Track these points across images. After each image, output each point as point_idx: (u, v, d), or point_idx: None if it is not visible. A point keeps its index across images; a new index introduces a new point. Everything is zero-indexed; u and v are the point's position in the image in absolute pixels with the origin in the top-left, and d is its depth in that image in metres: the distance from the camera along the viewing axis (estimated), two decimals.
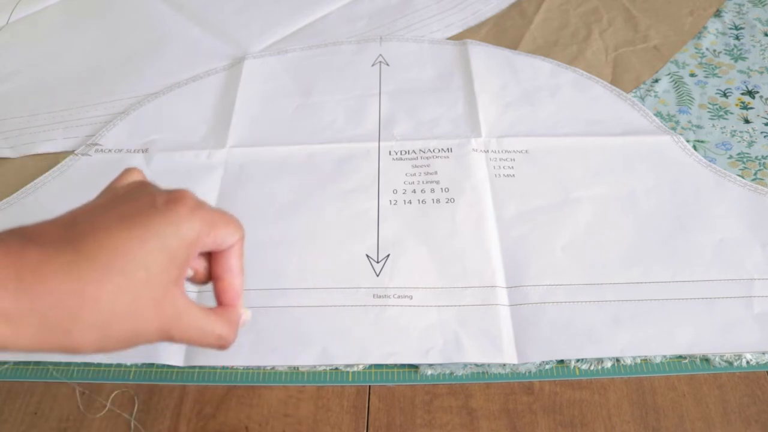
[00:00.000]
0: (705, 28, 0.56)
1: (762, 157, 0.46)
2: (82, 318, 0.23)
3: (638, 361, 0.36)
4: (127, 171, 0.30)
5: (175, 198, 0.27)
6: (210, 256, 0.29)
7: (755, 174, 0.44)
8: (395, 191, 0.44)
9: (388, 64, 0.54)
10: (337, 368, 0.36)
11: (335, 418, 0.34)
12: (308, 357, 0.36)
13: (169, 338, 0.27)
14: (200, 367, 0.36)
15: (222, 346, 0.29)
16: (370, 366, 0.36)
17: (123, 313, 0.24)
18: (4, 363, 0.37)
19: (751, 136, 0.47)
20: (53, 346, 0.23)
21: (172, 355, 0.36)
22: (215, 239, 0.28)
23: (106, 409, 0.35)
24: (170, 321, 0.26)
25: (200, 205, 0.28)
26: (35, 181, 0.45)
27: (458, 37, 0.56)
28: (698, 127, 0.48)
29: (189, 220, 0.27)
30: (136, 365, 0.36)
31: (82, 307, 0.23)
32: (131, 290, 0.25)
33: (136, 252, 0.25)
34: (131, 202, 0.27)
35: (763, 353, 0.36)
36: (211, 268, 0.30)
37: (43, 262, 0.23)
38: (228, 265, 0.30)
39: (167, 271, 0.26)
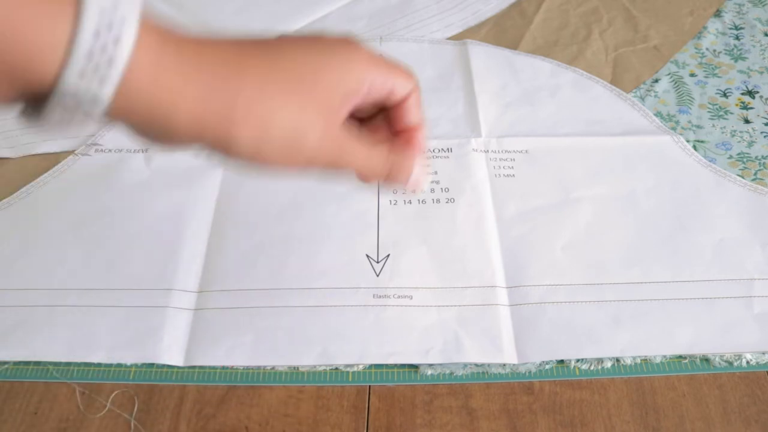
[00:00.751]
0: (705, 28, 0.56)
1: (762, 157, 0.46)
2: (254, 115, 0.23)
3: (638, 361, 0.36)
4: None
5: (360, 46, 0.28)
6: (389, 115, 0.31)
7: (755, 174, 0.44)
8: (395, 191, 0.44)
9: None
10: (337, 368, 0.36)
11: (335, 418, 0.34)
12: (308, 357, 0.36)
13: (333, 163, 0.27)
14: (200, 367, 0.36)
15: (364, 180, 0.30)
16: (370, 366, 0.36)
17: (289, 131, 0.25)
18: (4, 363, 0.37)
19: (751, 136, 0.47)
20: (213, 136, 0.23)
21: (173, 355, 0.36)
22: (386, 84, 0.29)
23: (106, 409, 0.35)
24: (334, 143, 0.27)
25: (370, 55, 0.29)
26: (35, 181, 0.45)
27: (458, 37, 0.56)
28: (698, 127, 0.48)
29: (368, 65, 0.28)
30: (136, 365, 0.36)
31: (253, 113, 0.23)
32: (305, 102, 0.25)
33: (323, 74, 0.26)
34: (329, 38, 0.27)
35: (763, 353, 0.36)
36: (392, 126, 0.31)
37: (242, 62, 0.23)
38: (408, 118, 0.30)
39: (343, 103, 0.27)
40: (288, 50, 0.26)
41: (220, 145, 0.24)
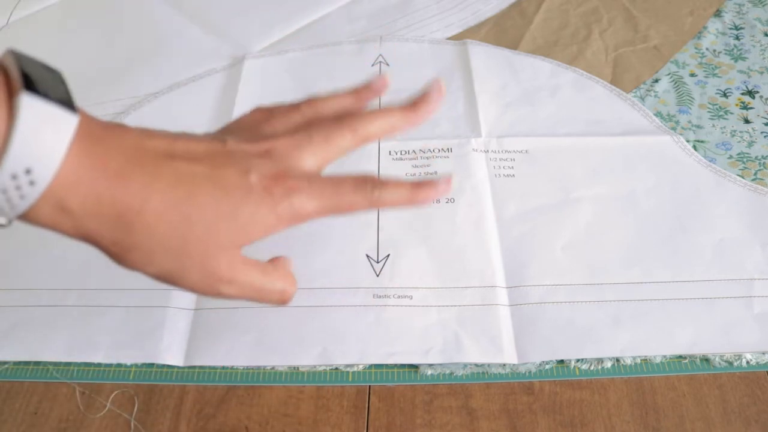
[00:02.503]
0: (705, 28, 0.56)
1: (762, 157, 0.46)
2: (136, 239, 0.25)
3: (638, 361, 0.36)
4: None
5: (270, 186, 0.27)
6: None
7: (755, 174, 0.44)
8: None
9: (388, 64, 0.54)
10: (337, 368, 0.36)
11: (335, 418, 0.34)
12: (308, 357, 0.36)
13: (217, 295, 0.28)
14: (200, 367, 0.36)
15: (284, 301, 0.30)
16: (370, 366, 0.36)
17: (170, 253, 0.26)
18: (4, 363, 0.37)
19: (751, 136, 0.47)
20: (113, 256, 0.26)
21: (172, 355, 0.37)
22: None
23: (106, 409, 0.35)
24: (211, 278, 0.27)
25: (297, 191, 0.27)
26: None
27: (458, 37, 0.56)
28: (698, 127, 0.48)
29: (278, 213, 0.27)
30: (136, 365, 0.36)
31: (139, 230, 0.25)
32: (187, 237, 0.26)
33: (205, 210, 0.26)
34: (228, 166, 0.27)
35: (763, 353, 0.36)
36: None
37: (121, 177, 0.24)
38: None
39: (232, 239, 0.27)
40: (191, 190, 0.26)
41: (127, 267, 0.26)
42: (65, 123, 0.23)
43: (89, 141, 0.24)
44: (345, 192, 0.28)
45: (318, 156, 0.28)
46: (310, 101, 0.32)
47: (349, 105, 0.31)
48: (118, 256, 0.26)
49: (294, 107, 0.31)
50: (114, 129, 0.25)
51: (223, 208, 0.26)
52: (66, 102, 0.23)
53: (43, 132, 0.22)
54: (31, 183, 0.22)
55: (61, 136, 0.22)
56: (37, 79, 0.22)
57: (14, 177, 0.22)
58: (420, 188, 0.29)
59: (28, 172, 0.22)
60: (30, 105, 0.22)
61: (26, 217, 0.24)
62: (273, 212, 0.27)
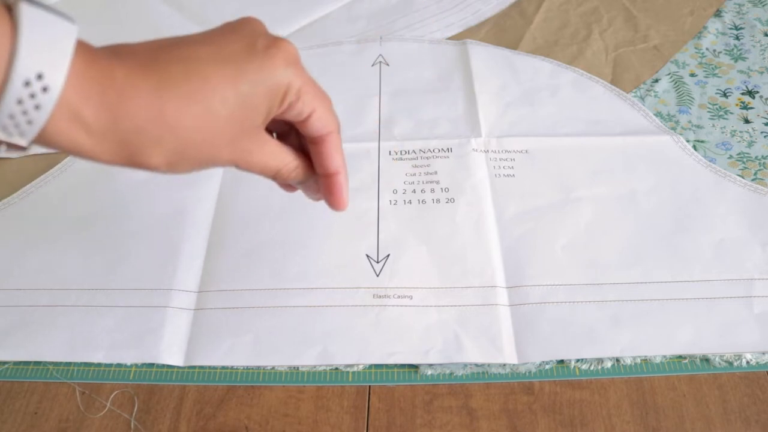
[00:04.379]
0: (705, 28, 0.56)
1: (762, 157, 0.46)
2: (159, 142, 0.25)
3: (638, 361, 0.36)
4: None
5: (276, 44, 0.27)
6: (310, 152, 0.31)
7: (755, 174, 0.44)
8: (395, 191, 0.44)
9: (388, 64, 0.54)
10: (337, 368, 0.36)
11: (335, 418, 0.34)
12: (308, 357, 0.36)
13: (236, 166, 0.28)
14: (200, 367, 0.36)
15: (278, 175, 0.31)
16: (370, 366, 0.36)
17: (199, 142, 0.26)
18: (4, 363, 0.37)
19: (751, 136, 0.47)
20: (128, 162, 0.25)
21: (172, 355, 0.37)
22: (302, 108, 0.28)
23: (106, 409, 0.35)
24: (240, 156, 0.28)
25: (298, 62, 0.28)
26: (35, 181, 0.45)
27: (458, 37, 0.56)
28: (698, 127, 0.48)
29: (283, 71, 0.27)
30: (136, 365, 0.36)
31: (161, 132, 0.24)
32: (211, 124, 0.25)
33: (222, 89, 0.25)
34: (231, 38, 0.27)
35: (763, 353, 0.36)
36: (315, 165, 0.32)
37: (128, 84, 0.24)
38: (328, 163, 0.31)
39: (249, 116, 0.27)
40: (194, 71, 0.25)
41: (139, 167, 0.25)
42: (66, 29, 0.23)
43: (91, 52, 0.24)
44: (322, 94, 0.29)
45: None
46: None
47: None
48: (146, 165, 0.25)
49: None
50: (107, 47, 0.25)
51: (242, 88, 0.26)
52: (63, 12, 0.23)
53: (48, 36, 0.22)
54: (44, 89, 0.22)
55: (65, 40, 0.22)
56: None
57: (27, 83, 0.21)
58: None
59: (40, 77, 0.22)
60: (30, 12, 0.22)
61: (45, 136, 0.23)
62: (283, 75, 0.27)
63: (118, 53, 0.25)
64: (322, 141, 0.30)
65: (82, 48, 0.23)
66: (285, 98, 0.27)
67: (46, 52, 0.22)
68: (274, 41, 0.27)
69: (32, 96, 0.22)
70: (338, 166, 0.31)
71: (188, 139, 0.25)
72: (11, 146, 0.23)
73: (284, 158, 0.30)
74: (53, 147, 0.24)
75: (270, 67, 0.26)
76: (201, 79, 0.25)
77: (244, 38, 0.27)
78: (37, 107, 0.22)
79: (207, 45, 0.26)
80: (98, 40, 0.25)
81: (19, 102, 0.22)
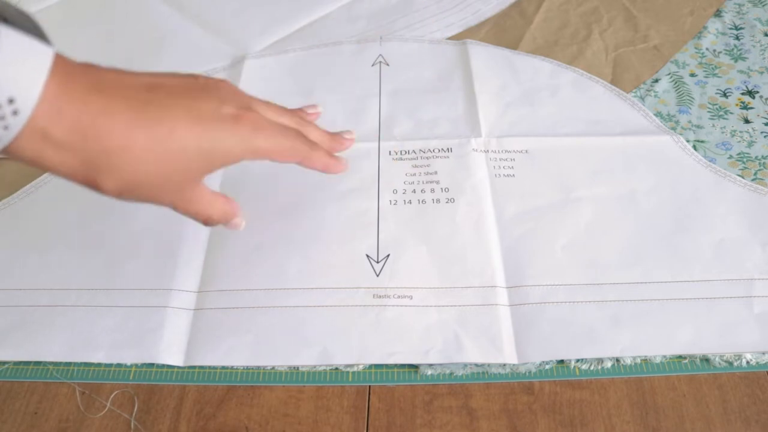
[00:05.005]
0: (705, 28, 0.56)
1: (762, 157, 0.46)
2: (119, 170, 0.26)
3: (638, 361, 0.36)
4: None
5: (240, 117, 0.30)
6: None
7: (755, 174, 0.44)
8: (395, 191, 0.44)
9: (388, 64, 0.54)
10: (337, 368, 0.36)
11: (335, 418, 0.34)
12: (308, 357, 0.36)
13: (174, 209, 0.31)
14: (200, 367, 0.36)
15: (208, 221, 0.33)
16: (370, 366, 0.36)
17: (151, 181, 0.28)
18: (4, 363, 0.37)
19: (751, 136, 0.47)
20: (84, 180, 0.27)
21: (172, 355, 0.37)
22: (259, 158, 0.32)
23: (106, 409, 0.35)
24: (181, 203, 0.30)
25: (265, 128, 0.31)
26: (35, 181, 0.45)
27: (458, 37, 0.56)
28: (698, 127, 0.48)
29: (244, 140, 0.30)
30: (136, 365, 0.36)
31: (123, 163, 0.26)
32: (166, 169, 0.28)
33: (186, 142, 0.28)
34: (204, 97, 0.29)
35: (763, 353, 0.36)
36: None
37: (105, 111, 0.26)
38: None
39: (200, 170, 0.30)
40: (167, 120, 0.28)
41: (91, 187, 0.27)
42: (42, 54, 0.24)
43: (68, 75, 0.25)
44: (290, 138, 0.33)
45: (273, 116, 0.33)
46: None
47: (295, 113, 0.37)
48: (98, 186, 0.27)
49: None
50: (91, 66, 0.27)
51: (202, 145, 0.28)
52: (40, 35, 0.24)
53: (23, 61, 0.23)
54: (15, 113, 0.23)
55: (40, 66, 0.23)
56: (10, 16, 0.23)
57: None
58: (333, 159, 0.36)
59: (11, 101, 0.23)
60: (7, 35, 0.22)
61: (12, 149, 0.24)
62: (239, 143, 0.30)
63: (102, 78, 0.27)
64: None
65: (62, 68, 0.25)
66: (239, 160, 0.30)
67: (19, 78, 0.23)
68: (242, 112, 0.30)
69: (2, 118, 0.23)
70: (318, 164, 0.35)
71: (143, 176, 0.27)
72: None
73: (218, 207, 0.33)
74: (16, 159, 0.25)
75: (233, 135, 0.29)
76: (170, 128, 0.27)
77: (216, 101, 0.29)
78: (5, 128, 0.23)
79: (183, 97, 0.28)
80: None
81: None
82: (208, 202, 0.32)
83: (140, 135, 0.26)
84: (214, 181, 0.45)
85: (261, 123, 0.31)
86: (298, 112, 0.37)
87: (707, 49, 0.54)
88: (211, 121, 0.29)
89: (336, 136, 0.39)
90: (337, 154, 0.38)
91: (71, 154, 0.25)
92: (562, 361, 0.36)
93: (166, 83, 0.29)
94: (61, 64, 0.25)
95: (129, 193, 0.28)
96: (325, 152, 0.36)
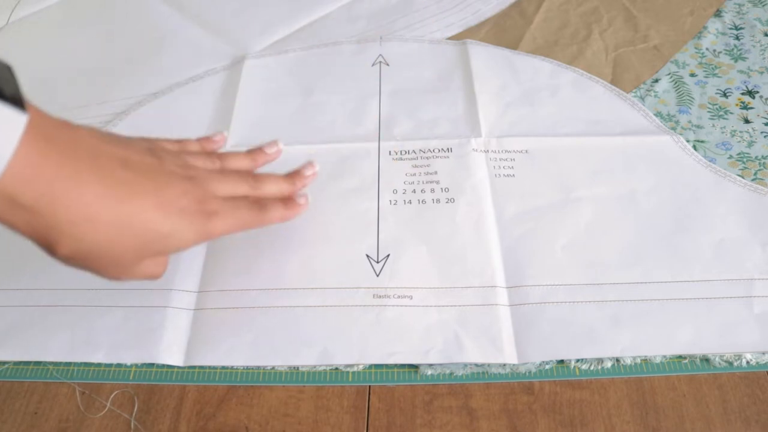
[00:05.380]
0: (705, 28, 0.56)
1: (762, 157, 0.46)
2: (77, 240, 0.27)
3: (638, 361, 0.36)
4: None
5: (197, 210, 0.31)
6: None
7: (755, 174, 0.44)
8: (395, 191, 0.44)
9: (388, 64, 0.54)
10: (337, 368, 0.36)
11: (335, 418, 0.34)
12: (308, 357, 0.36)
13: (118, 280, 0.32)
14: (200, 367, 0.36)
15: (155, 278, 0.33)
16: (370, 366, 0.36)
17: (102, 255, 0.28)
18: (4, 363, 0.37)
19: (751, 136, 0.47)
20: (38, 240, 0.27)
21: (172, 355, 0.37)
22: None
23: (106, 409, 0.35)
24: (123, 274, 0.31)
25: (214, 215, 0.32)
26: None
27: (458, 37, 0.56)
28: (698, 127, 0.48)
29: (199, 232, 0.31)
30: (136, 365, 0.36)
31: (84, 233, 0.27)
32: (126, 247, 0.29)
33: (149, 225, 0.29)
34: (168, 186, 0.30)
35: (763, 353, 0.36)
36: None
37: (76, 182, 0.26)
38: None
39: (156, 251, 0.31)
40: (136, 202, 0.28)
41: (42, 246, 0.28)
42: (13, 122, 0.23)
43: (42, 141, 0.25)
44: (243, 214, 0.34)
45: (226, 191, 0.34)
46: (222, 154, 0.37)
47: (247, 164, 0.38)
48: (52, 250, 0.27)
49: (206, 154, 0.36)
50: (67, 129, 0.27)
51: (162, 229, 0.29)
52: (15, 99, 0.24)
53: None
54: None
55: (9, 135, 0.23)
56: None
57: None
58: (288, 207, 0.37)
59: None
60: None
61: None
62: (195, 231, 0.31)
63: (78, 144, 0.27)
64: None
65: (39, 130, 0.25)
66: (193, 245, 0.32)
67: None
68: (199, 205, 0.31)
69: None
70: (276, 220, 0.37)
71: (100, 248, 0.28)
72: None
73: (159, 268, 0.33)
74: None
75: (191, 224, 0.31)
76: (138, 208, 0.28)
77: (179, 190, 0.31)
78: None
79: (151, 180, 0.30)
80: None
81: None
82: (148, 271, 0.32)
83: (107, 210, 0.27)
84: None
85: (215, 209, 0.32)
86: (210, 148, 0.38)
87: (707, 49, 0.54)
88: (172, 209, 0.30)
89: (294, 176, 0.39)
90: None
91: (35, 218, 0.26)
92: (562, 361, 0.36)
93: (138, 162, 0.30)
94: (38, 126, 0.25)
95: (80, 261, 0.28)
96: (279, 206, 0.36)
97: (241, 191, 0.35)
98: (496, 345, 0.36)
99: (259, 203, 0.35)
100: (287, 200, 0.37)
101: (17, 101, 0.24)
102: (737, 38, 0.55)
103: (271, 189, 0.37)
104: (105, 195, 0.27)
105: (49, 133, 0.26)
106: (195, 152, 0.36)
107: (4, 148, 0.23)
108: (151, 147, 0.32)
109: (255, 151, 0.39)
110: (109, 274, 0.30)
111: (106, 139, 0.29)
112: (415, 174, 0.45)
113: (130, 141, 0.31)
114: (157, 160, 0.31)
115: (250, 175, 0.36)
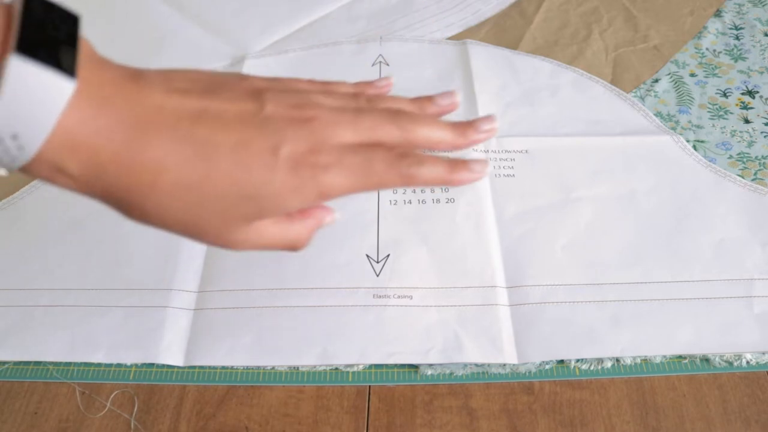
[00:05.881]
0: (705, 28, 0.56)
1: (762, 157, 0.46)
2: (140, 208, 0.24)
3: (638, 361, 0.36)
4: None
5: (300, 161, 0.25)
6: None
7: (755, 174, 0.44)
8: (395, 191, 0.44)
9: (388, 64, 0.54)
10: (337, 368, 0.36)
11: (335, 418, 0.34)
12: (308, 357, 0.36)
13: (230, 249, 0.27)
14: (200, 367, 0.36)
15: (293, 248, 0.29)
16: (370, 366, 0.36)
17: (183, 225, 0.25)
18: (4, 363, 0.37)
19: (751, 136, 0.47)
20: (101, 201, 0.24)
21: (173, 355, 0.37)
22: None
23: (106, 409, 0.35)
24: (227, 242, 0.27)
25: (329, 167, 0.26)
26: (35, 181, 0.45)
27: (458, 37, 0.56)
28: (698, 127, 0.48)
29: (302, 192, 0.26)
30: (136, 365, 0.36)
31: (145, 203, 0.24)
32: (202, 215, 0.25)
33: (224, 189, 0.24)
34: (257, 135, 0.25)
35: (763, 353, 0.36)
36: None
37: (132, 149, 0.23)
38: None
39: (248, 216, 0.26)
40: (210, 153, 0.24)
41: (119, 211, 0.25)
42: (59, 90, 0.21)
43: (95, 105, 0.22)
44: (378, 169, 0.27)
45: (357, 136, 0.27)
46: (375, 96, 0.30)
47: (403, 105, 0.30)
48: (128, 214, 0.25)
49: (349, 93, 0.30)
50: (132, 87, 0.24)
51: (244, 190, 0.24)
52: (65, 64, 0.21)
53: (32, 98, 0.20)
54: (20, 148, 0.21)
55: (53, 104, 0.21)
56: (34, 38, 0.21)
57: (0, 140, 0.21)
58: (455, 170, 0.28)
59: (14, 137, 0.21)
60: (18, 70, 0.20)
61: (25, 171, 0.22)
62: (296, 193, 0.25)
63: (142, 102, 0.24)
64: None
65: (93, 92, 0.22)
66: (299, 207, 0.27)
67: (26, 115, 0.21)
68: (304, 155, 0.25)
69: (6, 151, 0.21)
70: (430, 181, 0.28)
71: (168, 218, 0.25)
72: None
73: (290, 237, 0.28)
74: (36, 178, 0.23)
75: (287, 181, 0.25)
76: (206, 170, 0.24)
77: (274, 138, 0.25)
78: (12, 159, 0.22)
79: (232, 130, 0.24)
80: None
81: None
82: (272, 238, 0.27)
83: (170, 174, 0.23)
84: None
85: (330, 160, 0.26)
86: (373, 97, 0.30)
87: (707, 49, 0.54)
88: (260, 163, 0.24)
89: (467, 126, 0.30)
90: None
91: (87, 185, 0.23)
92: (562, 361, 0.36)
93: (219, 112, 0.25)
94: (90, 87, 0.22)
95: (161, 226, 0.25)
96: (440, 164, 0.28)
97: (383, 135, 0.27)
98: (496, 345, 0.36)
99: (407, 156, 0.27)
100: (455, 161, 0.28)
101: (65, 67, 0.21)
102: (737, 38, 0.55)
103: (429, 134, 0.28)
104: (167, 155, 0.23)
105: (105, 92, 0.23)
106: (336, 92, 0.29)
107: (44, 119, 0.21)
108: (255, 88, 0.26)
109: (422, 99, 0.31)
110: (207, 239, 0.26)
111: (181, 89, 0.25)
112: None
113: (220, 85, 0.26)
114: (256, 104, 0.26)
115: (401, 114, 0.28)
